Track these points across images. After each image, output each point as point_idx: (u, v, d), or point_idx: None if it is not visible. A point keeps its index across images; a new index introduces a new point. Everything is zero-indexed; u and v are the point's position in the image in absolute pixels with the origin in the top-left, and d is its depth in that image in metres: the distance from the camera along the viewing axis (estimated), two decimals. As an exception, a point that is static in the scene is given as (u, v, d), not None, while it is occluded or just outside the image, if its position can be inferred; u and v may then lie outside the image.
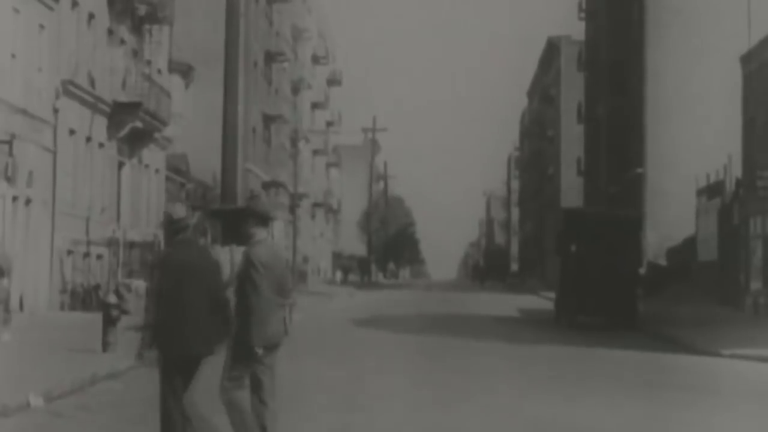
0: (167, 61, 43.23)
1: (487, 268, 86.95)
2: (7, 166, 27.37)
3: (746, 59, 36.96)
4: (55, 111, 30.88)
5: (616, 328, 28.44)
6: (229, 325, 9.32)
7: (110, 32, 35.83)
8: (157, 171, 41.60)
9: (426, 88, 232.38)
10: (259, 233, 9.40)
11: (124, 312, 21.22)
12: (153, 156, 40.75)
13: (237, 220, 9.59)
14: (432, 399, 14.68)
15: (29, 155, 28.96)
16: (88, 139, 33.85)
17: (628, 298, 29.63)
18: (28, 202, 29.25)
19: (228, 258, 19.76)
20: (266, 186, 57.28)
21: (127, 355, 14.61)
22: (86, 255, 32.88)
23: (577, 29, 69.74)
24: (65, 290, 31.03)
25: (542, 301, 42.72)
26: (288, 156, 63.23)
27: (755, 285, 34.25)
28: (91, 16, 33.92)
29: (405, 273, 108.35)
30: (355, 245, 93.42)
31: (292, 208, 60.90)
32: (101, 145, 34.98)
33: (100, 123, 34.79)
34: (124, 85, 36.29)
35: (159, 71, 41.58)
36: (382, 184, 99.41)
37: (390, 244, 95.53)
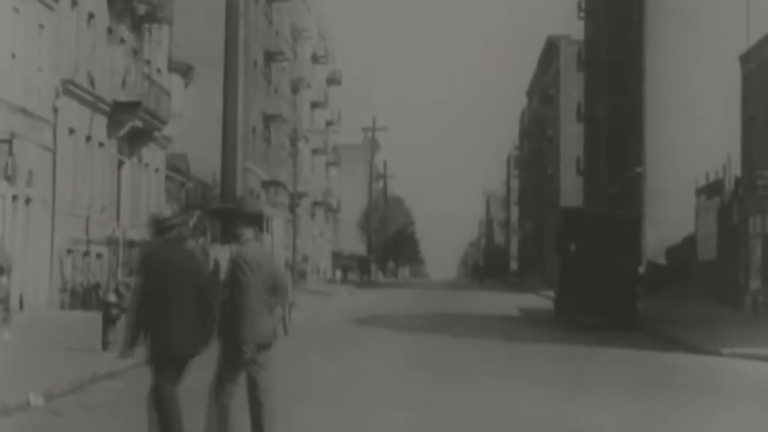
0: (167, 60, 43.23)
1: (487, 267, 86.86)
2: (7, 165, 27.38)
3: (745, 59, 36.97)
4: (55, 110, 30.89)
5: (616, 328, 28.44)
6: (215, 324, 9.38)
7: (110, 32, 35.84)
8: (156, 170, 41.61)
9: (425, 88, 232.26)
10: (247, 233, 9.45)
11: (124, 311, 21.19)
12: (153, 155, 40.76)
13: (225, 220, 9.65)
14: (432, 398, 14.69)
15: (29, 154, 28.97)
16: (88, 139, 33.86)
17: (627, 298, 29.65)
18: (27, 201, 29.26)
19: (228, 257, 19.76)
20: (266, 185, 57.28)
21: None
22: (86, 254, 32.89)
23: (576, 29, 69.81)
24: (65, 289, 31.04)
25: (542, 301, 42.73)
26: (287, 155, 63.23)
27: (755, 284, 34.26)
28: (90, 16, 33.92)
29: (404, 272, 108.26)
30: (355, 244, 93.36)
31: (292, 208, 60.88)
32: (101, 144, 34.99)
33: (100, 122, 34.80)
34: (123, 84, 36.31)
35: (159, 71, 41.58)
36: (381, 184, 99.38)
37: (389, 244, 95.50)
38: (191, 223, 38.08)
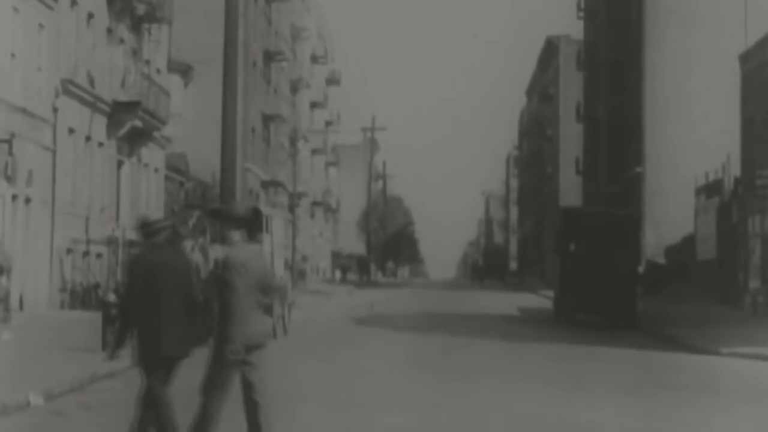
0: (166, 60, 43.24)
1: (486, 267, 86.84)
2: (6, 165, 27.38)
3: (745, 58, 36.99)
4: (55, 110, 30.89)
5: (615, 327, 28.46)
6: (204, 326, 9.45)
7: (109, 31, 35.85)
8: (156, 170, 41.61)
9: (425, 88, 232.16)
10: (235, 236, 9.55)
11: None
12: (152, 155, 40.76)
13: (215, 223, 9.85)
14: (431, 397, 14.70)
15: (29, 154, 28.98)
16: (88, 138, 33.86)
17: (627, 297, 29.66)
18: (27, 201, 29.27)
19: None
20: (265, 185, 57.28)
21: (127, 354, 14.59)
22: (86, 254, 32.89)
23: (576, 28, 69.82)
24: (65, 289, 31.04)
25: (541, 300, 42.73)
26: (287, 155, 63.23)
27: (754, 283, 34.27)
28: (90, 16, 33.93)
29: (404, 272, 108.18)
30: (354, 244, 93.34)
31: (291, 208, 60.88)
32: (101, 144, 34.99)
33: (100, 122, 34.80)
34: (123, 84, 36.29)
35: (158, 70, 41.58)
36: (381, 184, 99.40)
37: (389, 243, 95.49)
38: (191, 223, 38.13)
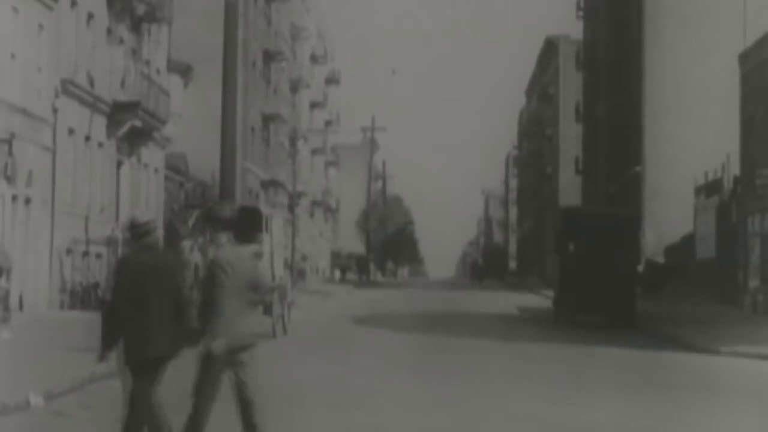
0: (166, 60, 43.24)
1: (486, 266, 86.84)
2: (6, 165, 27.38)
3: (744, 58, 37.00)
4: (55, 110, 30.89)
5: (615, 327, 28.46)
6: (192, 327, 9.48)
7: (109, 32, 35.85)
8: (156, 170, 41.61)
9: (424, 87, 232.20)
10: (222, 237, 9.64)
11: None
12: (152, 155, 40.76)
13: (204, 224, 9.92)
14: (431, 397, 14.71)
15: (29, 154, 28.98)
16: (88, 139, 33.86)
17: (626, 297, 29.67)
18: (27, 201, 29.27)
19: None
20: (265, 185, 57.29)
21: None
22: (85, 254, 32.89)
23: (575, 28, 69.86)
24: (64, 289, 31.04)
25: (541, 300, 42.75)
26: (287, 155, 63.24)
27: (753, 283, 34.28)
28: (90, 16, 33.93)
29: (403, 272, 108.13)
30: (354, 244, 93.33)
31: (291, 207, 60.89)
32: (100, 144, 34.99)
33: (99, 122, 34.80)
34: (123, 84, 36.28)
35: (158, 70, 41.59)
36: (380, 183, 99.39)
37: (388, 243, 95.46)
38: (190, 223, 38.10)
